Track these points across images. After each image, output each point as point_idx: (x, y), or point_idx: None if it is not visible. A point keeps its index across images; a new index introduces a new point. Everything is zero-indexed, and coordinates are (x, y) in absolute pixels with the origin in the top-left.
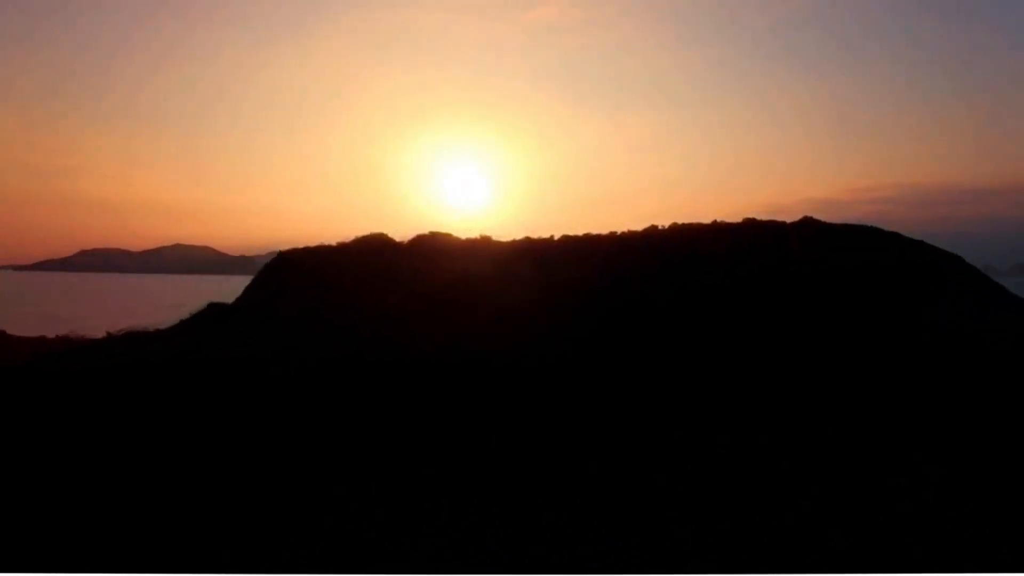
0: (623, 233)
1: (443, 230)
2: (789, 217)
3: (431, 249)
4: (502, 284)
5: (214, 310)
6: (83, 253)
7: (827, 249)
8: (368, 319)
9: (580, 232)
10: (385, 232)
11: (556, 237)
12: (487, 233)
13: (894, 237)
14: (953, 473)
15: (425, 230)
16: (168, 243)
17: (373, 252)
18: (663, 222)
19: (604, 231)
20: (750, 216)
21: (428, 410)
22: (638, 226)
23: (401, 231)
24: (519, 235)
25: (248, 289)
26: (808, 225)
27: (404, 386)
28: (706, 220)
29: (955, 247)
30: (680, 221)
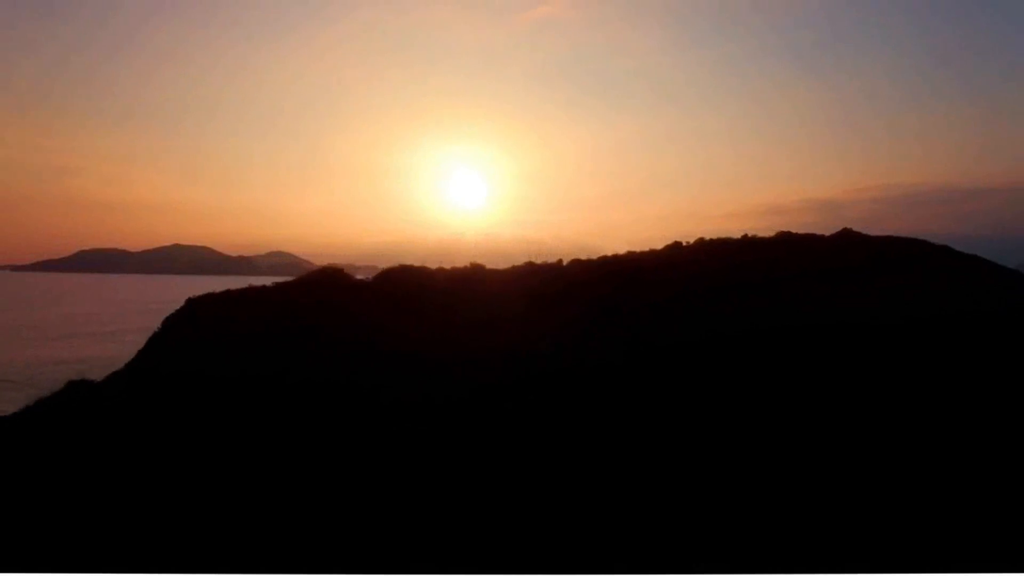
0: (642, 253)
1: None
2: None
3: (400, 290)
4: (486, 346)
5: (76, 391)
6: (82, 253)
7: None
8: (293, 393)
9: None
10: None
11: (565, 262)
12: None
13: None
14: (953, 473)
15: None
16: (167, 243)
17: (319, 296)
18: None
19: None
20: (785, 230)
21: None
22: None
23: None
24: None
25: (143, 350)
26: (846, 237)
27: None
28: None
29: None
30: (703, 235)
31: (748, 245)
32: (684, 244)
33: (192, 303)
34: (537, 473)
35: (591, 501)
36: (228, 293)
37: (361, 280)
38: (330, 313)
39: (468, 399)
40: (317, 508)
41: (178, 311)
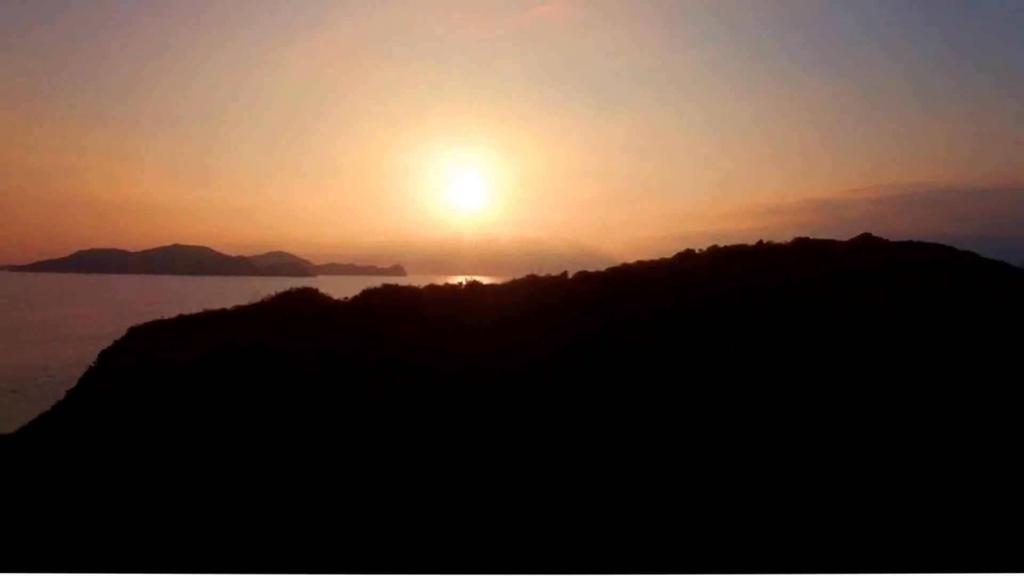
0: (652, 262)
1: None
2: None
3: (381, 312)
4: (485, 352)
5: None
6: (81, 253)
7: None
8: (253, 419)
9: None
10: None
11: (571, 275)
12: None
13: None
14: (953, 473)
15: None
16: (166, 243)
17: (286, 319)
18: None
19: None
20: (801, 236)
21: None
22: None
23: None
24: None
25: (73, 389)
26: (865, 243)
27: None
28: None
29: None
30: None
31: (763, 251)
32: (697, 252)
33: (134, 332)
34: (531, 484)
35: (587, 510)
36: (180, 318)
37: (337, 301)
38: (297, 336)
39: (461, 411)
40: (282, 535)
41: (117, 342)
